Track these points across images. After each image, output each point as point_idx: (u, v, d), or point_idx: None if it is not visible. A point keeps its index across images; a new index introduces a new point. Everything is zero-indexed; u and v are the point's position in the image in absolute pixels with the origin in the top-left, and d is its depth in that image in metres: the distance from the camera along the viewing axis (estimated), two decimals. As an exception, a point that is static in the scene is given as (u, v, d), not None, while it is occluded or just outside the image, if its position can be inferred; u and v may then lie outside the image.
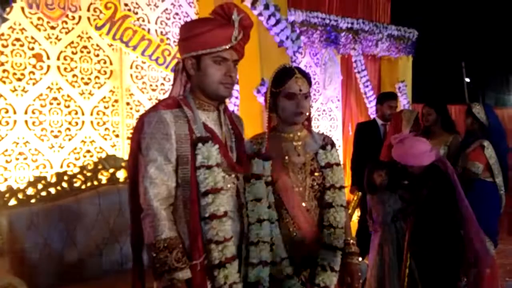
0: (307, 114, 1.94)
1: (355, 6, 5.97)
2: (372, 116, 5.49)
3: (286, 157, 1.92)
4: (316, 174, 1.90)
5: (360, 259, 2.22)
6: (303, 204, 1.88)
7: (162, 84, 4.33)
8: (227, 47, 1.66)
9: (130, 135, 3.92)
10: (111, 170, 3.25)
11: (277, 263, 1.80)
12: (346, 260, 1.89)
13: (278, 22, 3.83)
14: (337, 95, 5.78)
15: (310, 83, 1.93)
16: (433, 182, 2.80)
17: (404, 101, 5.90)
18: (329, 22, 5.19)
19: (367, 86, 5.65)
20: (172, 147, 1.59)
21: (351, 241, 1.94)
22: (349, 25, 5.38)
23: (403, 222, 2.95)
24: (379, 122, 4.27)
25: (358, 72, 5.63)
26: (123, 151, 4.02)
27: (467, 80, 8.54)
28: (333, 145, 1.97)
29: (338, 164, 1.92)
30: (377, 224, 3.02)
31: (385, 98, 4.25)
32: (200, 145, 1.59)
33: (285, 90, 1.88)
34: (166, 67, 4.31)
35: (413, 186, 2.86)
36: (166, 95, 4.21)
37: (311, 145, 1.94)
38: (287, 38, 3.90)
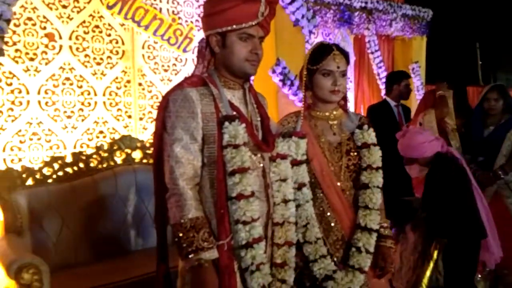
0: (344, 92, 1.89)
1: (369, -15, 5.83)
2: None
3: (322, 136, 1.88)
4: (352, 154, 1.87)
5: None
6: (338, 184, 1.85)
7: (174, 64, 4.28)
8: (254, 23, 1.61)
9: (142, 116, 4.01)
10: (127, 151, 3.24)
11: (312, 242, 1.78)
12: (380, 243, 1.87)
13: (293, 0, 3.75)
14: (349, 76, 5.71)
15: (348, 61, 1.88)
16: (441, 172, 2.75)
17: (417, 83, 5.81)
18: (343, 1, 5.08)
19: (380, 67, 5.57)
20: (198, 126, 1.56)
21: (385, 224, 1.91)
22: (363, 4, 5.26)
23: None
24: (392, 103, 4.16)
25: (372, 53, 5.53)
26: (135, 131, 4.00)
27: (480, 63, 8.43)
28: (369, 125, 1.93)
29: (375, 144, 1.87)
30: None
31: (403, 77, 4.15)
32: (227, 123, 1.55)
33: (322, 68, 1.83)
34: (178, 47, 4.25)
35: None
36: (179, 76, 4.22)
37: (347, 124, 1.91)
38: (302, 17, 3.82)
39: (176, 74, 4.26)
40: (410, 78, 4.26)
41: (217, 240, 1.53)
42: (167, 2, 4.20)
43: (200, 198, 1.56)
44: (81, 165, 3.04)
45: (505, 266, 3.03)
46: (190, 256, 1.47)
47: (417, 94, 5.77)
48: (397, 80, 4.14)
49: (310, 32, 4.06)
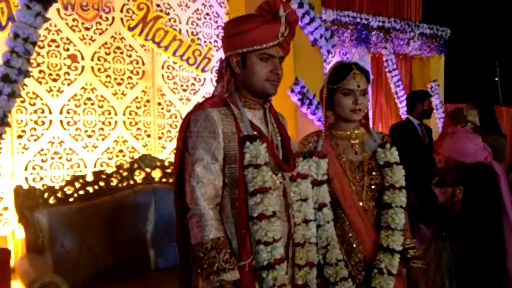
0: (365, 111, 1.89)
1: (386, 4, 5.84)
2: (403, 117, 5.37)
3: (343, 155, 1.87)
4: (374, 173, 1.84)
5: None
6: (360, 204, 1.82)
7: (193, 84, 4.33)
8: (274, 43, 1.62)
9: (161, 135, 4.05)
10: (147, 170, 3.26)
11: (332, 264, 1.75)
12: (410, 265, 1.84)
13: (312, 20, 3.78)
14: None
15: (368, 80, 1.88)
16: (475, 183, 2.73)
17: (436, 101, 5.76)
18: (360, 21, 5.11)
19: (398, 86, 5.55)
20: (219, 146, 1.56)
21: (412, 244, 1.88)
22: (380, 24, 5.29)
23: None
24: (415, 122, 4.11)
25: (389, 72, 5.52)
26: (154, 151, 4.04)
27: (496, 79, 8.35)
28: (392, 144, 1.90)
29: (398, 164, 1.85)
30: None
31: (425, 96, 4.12)
32: (248, 143, 1.55)
33: (343, 87, 1.83)
34: (197, 67, 4.31)
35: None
36: (197, 96, 4.27)
37: (369, 143, 1.89)
38: (321, 37, 3.85)
39: (194, 93, 4.31)
40: (431, 97, 4.22)
41: (238, 260, 1.51)
42: (187, 23, 4.27)
43: (221, 218, 1.56)
44: (102, 184, 3.07)
45: None
46: (211, 277, 1.46)
47: (436, 113, 5.71)
48: (421, 98, 4.10)
49: (328, 51, 4.08)
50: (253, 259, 1.53)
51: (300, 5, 3.80)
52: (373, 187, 1.84)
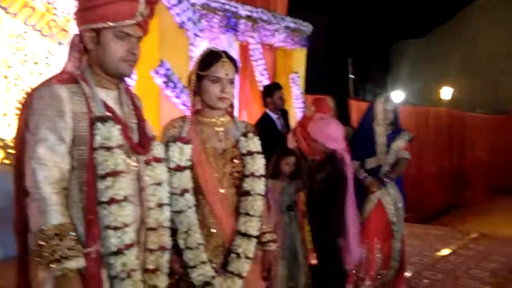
0: (231, 100, 1.91)
1: (255, -6, 6.01)
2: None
3: (207, 142, 1.88)
4: (236, 161, 1.89)
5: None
6: (221, 191, 1.86)
7: (47, 57, 3.95)
8: (133, 22, 1.56)
9: (7, 111, 3.64)
10: (-14, 150, 2.90)
11: (193, 248, 1.76)
12: (264, 248, 1.93)
13: (180, 2, 3.71)
14: (233, 81, 5.81)
15: (236, 69, 1.91)
16: (330, 169, 2.97)
17: (296, 92, 6.11)
18: (229, 8, 5.17)
19: (263, 75, 5.76)
20: (66, 126, 1.46)
21: (268, 229, 1.97)
22: (248, 13, 5.41)
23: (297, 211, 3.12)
24: (273, 116, 4.24)
25: (255, 61, 5.69)
26: (-2, 129, 3.61)
27: (352, 76, 9.24)
28: (255, 133, 1.96)
29: (259, 153, 1.91)
30: (273, 211, 3.13)
31: (275, 89, 4.27)
32: (99, 125, 1.47)
33: (211, 74, 1.84)
34: (52, 39, 3.94)
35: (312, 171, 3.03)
36: (51, 70, 3.93)
37: (233, 131, 1.93)
38: (188, 19, 3.80)
39: (48, 68, 3.94)
40: (281, 89, 4.39)
41: (85, 247, 1.44)
42: (41, -10, 3.87)
43: (67, 203, 1.46)
44: None
45: (384, 267, 3.36)
46: (52, 265, 1.37)
47: (296, 102, 6.08)
48: (269, 93, 4.27)
49: (196, 35, 4.05)
50: (101, 245, 1.47)
51: (168, -15, 3.71)
52: (234, 174, 1.89)
